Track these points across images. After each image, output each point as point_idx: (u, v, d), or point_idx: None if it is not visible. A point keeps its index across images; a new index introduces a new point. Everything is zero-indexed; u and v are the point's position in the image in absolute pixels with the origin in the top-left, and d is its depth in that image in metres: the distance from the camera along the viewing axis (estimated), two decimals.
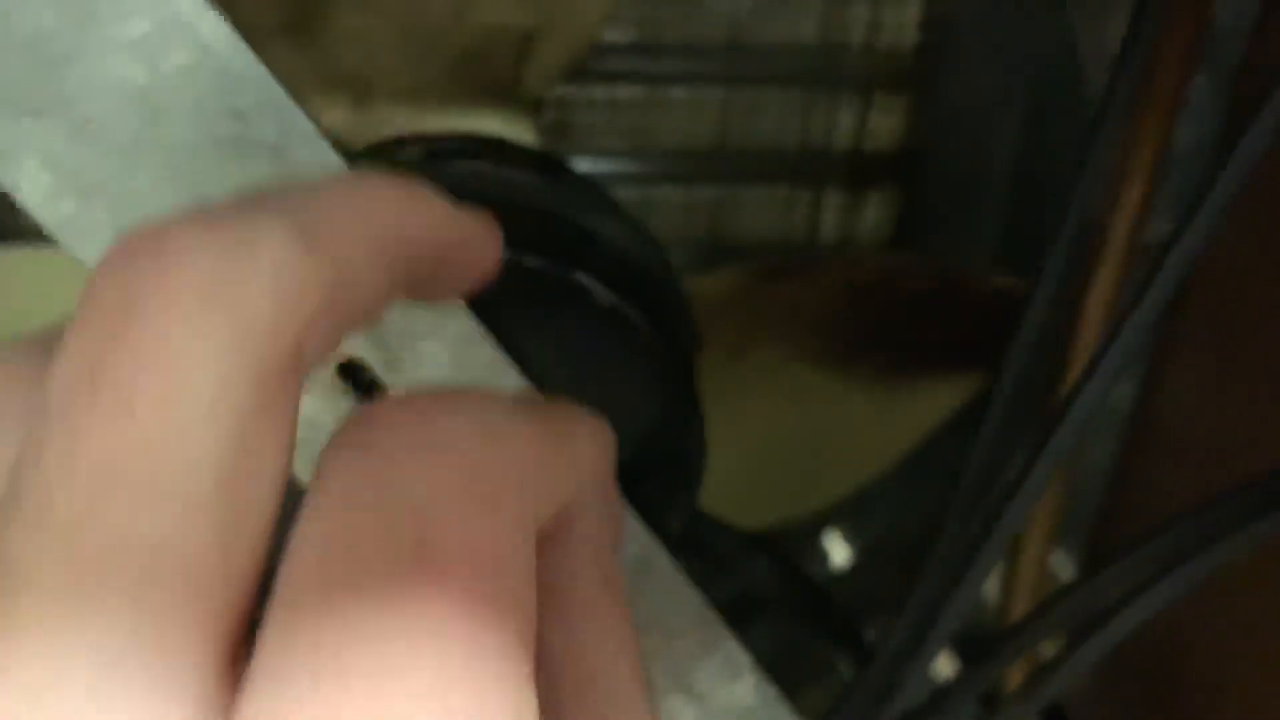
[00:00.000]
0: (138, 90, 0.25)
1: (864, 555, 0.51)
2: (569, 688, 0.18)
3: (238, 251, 0.15)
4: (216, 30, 0.25)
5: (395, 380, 0.29)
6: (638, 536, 0.33)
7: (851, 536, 0.51)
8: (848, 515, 0.53)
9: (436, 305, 0.29)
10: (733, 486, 0.40)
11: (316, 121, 0.27)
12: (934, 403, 0.45)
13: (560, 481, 0.19)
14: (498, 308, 0.29)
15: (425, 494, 0.15)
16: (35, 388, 0.15)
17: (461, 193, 0.33)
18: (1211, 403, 0.43)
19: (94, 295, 0.14)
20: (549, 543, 0.19)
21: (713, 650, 0.36)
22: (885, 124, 0.51)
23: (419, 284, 0.21)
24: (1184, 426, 0.46)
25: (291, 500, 0.16)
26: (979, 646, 0.29)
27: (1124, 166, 0.33)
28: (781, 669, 0.38)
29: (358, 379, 0.29)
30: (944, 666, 0.37)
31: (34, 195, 0.26)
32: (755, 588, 0.37)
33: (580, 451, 0.20)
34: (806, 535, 0.55)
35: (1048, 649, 0.31)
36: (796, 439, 0.48)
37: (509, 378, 0.30)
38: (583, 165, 0.49)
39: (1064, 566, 0.52)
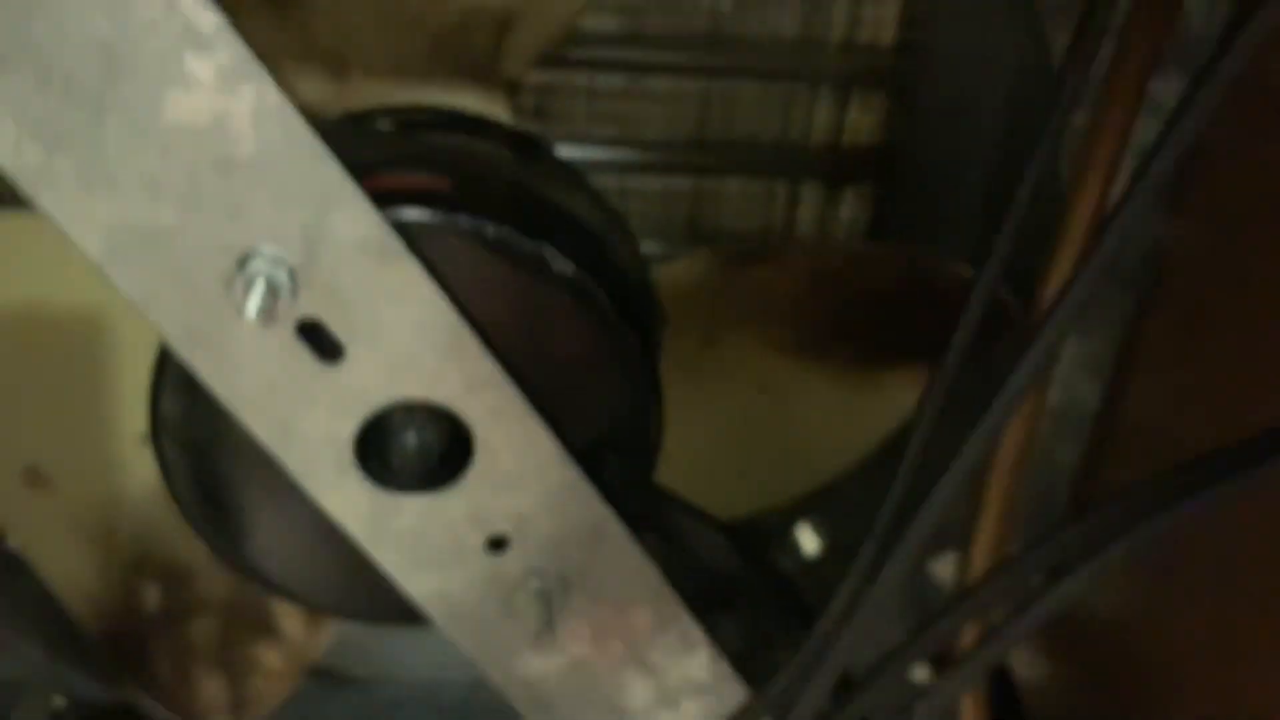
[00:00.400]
0: (103, 42, 0.25)
1: (834, 546, 0.51)
2: None
3: None
4: None
5: (353, 341, 0.30)
6: (592, 507, 0.33)
7: (821, 528, 0.51)
8: (818, 507, 0.54)
9: (398, 268, 0.29)
10: (705, 475, 0.41)
11: (292, 93, 0.28)
12: (902, 395, 0.45)
13: None
14: (458, 271, 0.30)
15: None
16: None
17: (432, 162, 0.33)
18: (1173, 405, 0.44)
19: None
20: None
21: (668, 625, 0.36)
22: (863, 120, 0.52)
23: None
24: (1147, 428, 0.46)
25: None
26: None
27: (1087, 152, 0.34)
28: (748, 656, 0.39)
29: (316, 340, 0.30)
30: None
31: (0, 142, 0.26)
32: (719, 570, 0.38)
33: None
34: (779, 527, 0.55)
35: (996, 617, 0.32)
36: (767, 428, 0.48)
37: (468, 344, 0.30)
38: (563, 152, 0.49)
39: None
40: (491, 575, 0.34)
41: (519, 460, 0.32)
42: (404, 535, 0.33)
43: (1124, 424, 0.47)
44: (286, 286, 0.28)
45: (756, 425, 0.48)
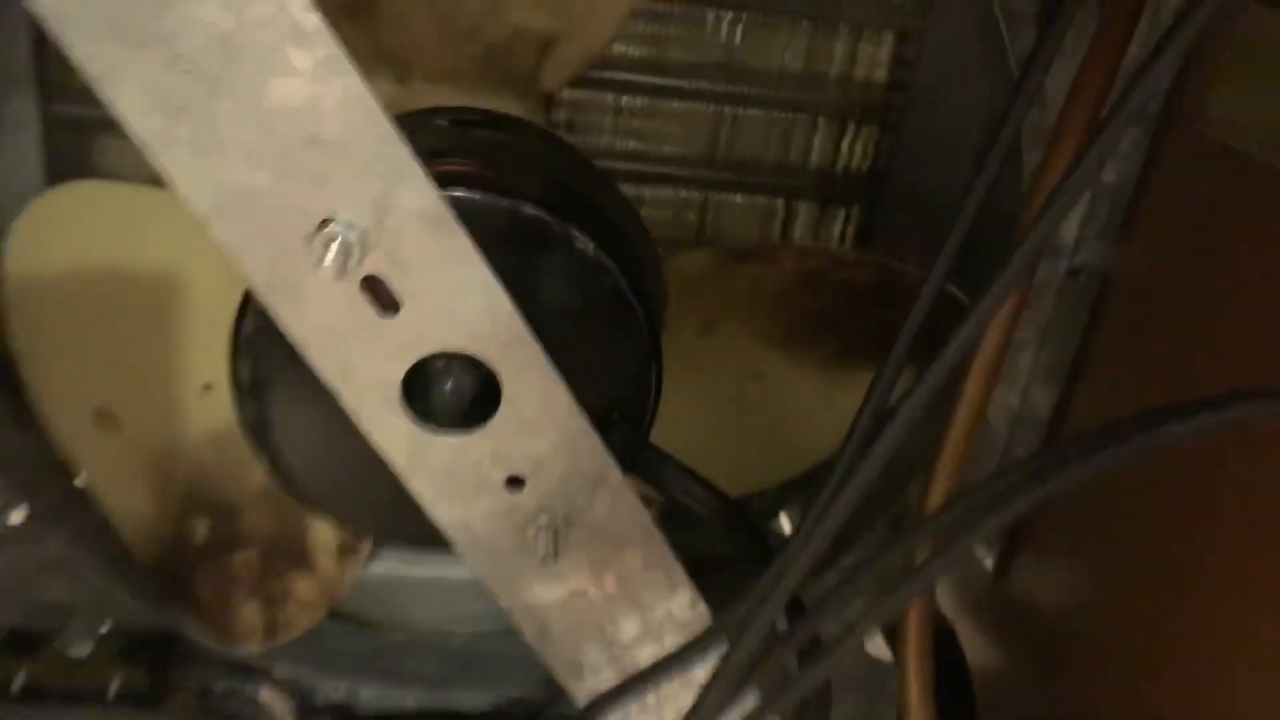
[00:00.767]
0: (224, 33, 0.30)
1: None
2: None
3: None
4: None
5: (408, 296, 0.35)
6: (597, 455, 0.39)
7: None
8: (799, 494, 0.59)
9: (450, 238, 0.35)
10: (697, 454, 0.46)
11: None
12: None
13: None
14: (497, 244, 0.35)
15: None
16: None
17: (476, 150, 0.39)
18: (1118, 409, 0.49)
19: None
20: None
21: (656, 565, 0.42)
22: (856, 148, 0.58)
23: None
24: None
25: None
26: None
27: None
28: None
29: (378, 295, 0.35)
30: None
31: (131, 111, 0.31)
32: (706, 521, 0.43)
33: None
34: (762, 512, 0.61)
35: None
36: (756, 414, 0.54)
37: (503, 306, 0.36)
38: None
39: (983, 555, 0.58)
40: (508, 509, 0.39)
41: (539, 410, 0.38)
42: (436, 469, 0.38)
43: (1074, 426, 0.52)
44: (357, 247, 0.33)
45: (746, 411, 0.53)
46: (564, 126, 0.55)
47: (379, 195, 0.33)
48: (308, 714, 0.59)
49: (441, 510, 0.39)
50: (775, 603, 0.36)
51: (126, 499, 0.53)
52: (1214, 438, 0.32)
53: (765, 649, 0.37)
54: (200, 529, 0.53)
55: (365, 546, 0.54)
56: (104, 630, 0.55)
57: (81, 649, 0.54)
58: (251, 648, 0.55)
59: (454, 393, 0.38)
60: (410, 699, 0.60)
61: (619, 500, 0.40)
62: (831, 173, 0.58)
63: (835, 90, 0.56)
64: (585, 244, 0.37)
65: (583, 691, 0.44)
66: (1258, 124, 0.40)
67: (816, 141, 0.57)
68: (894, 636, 0.46)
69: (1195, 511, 0.42)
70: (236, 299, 0.39)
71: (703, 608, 0.43)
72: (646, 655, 0.43)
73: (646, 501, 0.41)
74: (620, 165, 0.56)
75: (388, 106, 0.33)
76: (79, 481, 0.54)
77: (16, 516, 0.52)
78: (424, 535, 0.40)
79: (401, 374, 0.36)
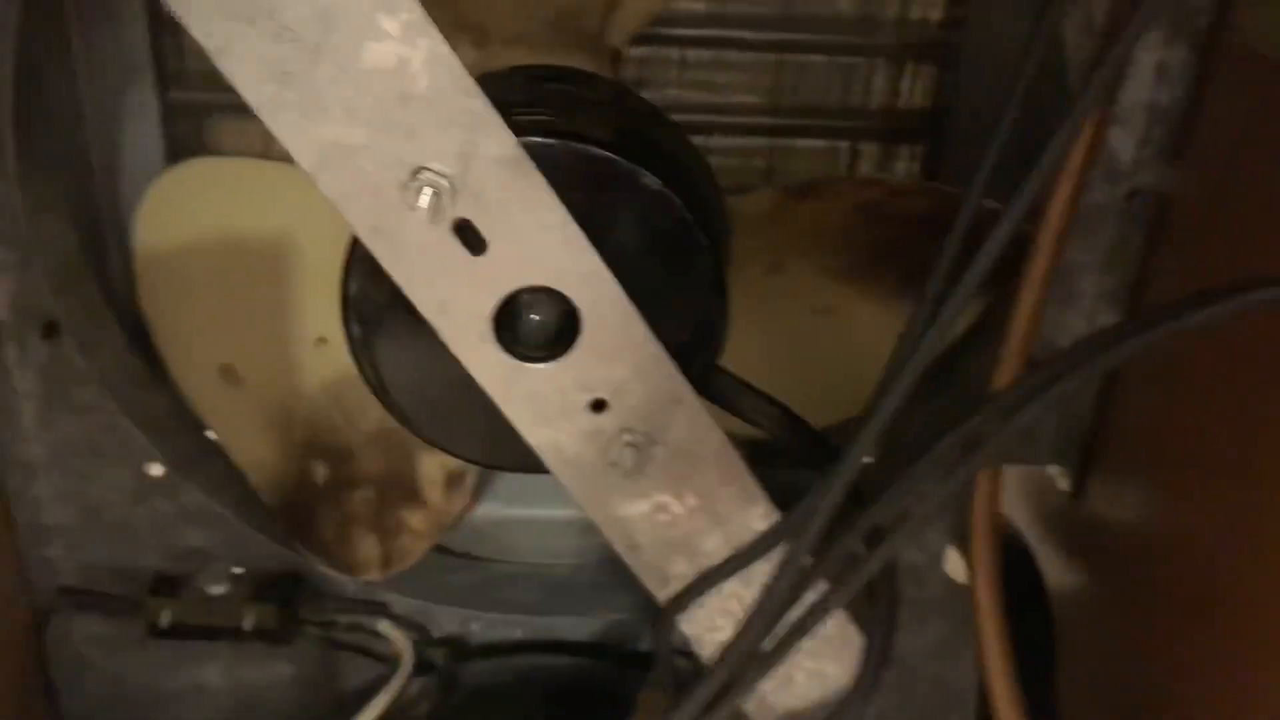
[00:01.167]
0: (322, 6, 0.34)
1: (883, 458, 0.59)
2: None
3: None
4: None
5: (494, 237, 0.39)
6: (672, 378, 0.42)
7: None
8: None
9: (529, 181, 0.38)
10: (769, 389, 0.48)
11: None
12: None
13: None
14: (571, 186, 0.38)
15: None
16: None
17: (549, 102, 0.43)
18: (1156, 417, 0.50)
19: None
20: None
21: (732, 479, 0.45)
22: (915, 87, 0.60)
23: None
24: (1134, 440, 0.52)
25: None
26: None
27: None
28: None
29: (467, 236, 0.39)
30: None
31: (245, 80, 0.35)
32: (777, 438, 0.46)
33: None
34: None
35: None
36: (824, 348, 0.56)
37: (580, 243, 0.39)
38: None
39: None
40: (593, 430, 0.43)
41: (616, 338, 0.41)
42: (527, 395, 0.42)
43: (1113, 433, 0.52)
44: (447, 193, 0.37)
45: (815, 345, 0.56)
46: (633, 83, 0.58)
47: (463, 145, 0.37)
48: (425, 645, 0.63)
49: (534, 434, 0.43)
50: (832, 495, 0.38)
51: (252, 448, 0.58)
52: None
53: (828, 539, 0.39)
54: (320, 472, 0.58)
55: (470, 480, 0.58)
56: (237, 571, 0.60)
57: (218, 588, 0.60)
58: (372, 576, 0.59)
59: (539, 325, 0.41)
60: (518, 630, 0.64)
61: (695, 420, 0.43)
62: (893, 112, 0.60)
63: (892, 31, 0.59)
64: (652, 181, 0.40)
65: (669, 599, 0.47)
66: None
67: (877, 83, 0.59)
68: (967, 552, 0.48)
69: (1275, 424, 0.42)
70: (342, 257, 0.43)
71: (777, 518, 0.46)
72: None
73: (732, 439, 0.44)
74: (688, 117, 0.59)
75: (468, 69, 0.36)
76: (209, 434, 0.59)
77: (156, 469, 0.58)
78: (523, 459, 0.43)
79: (491, 309, 0.40)
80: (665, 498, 0.45)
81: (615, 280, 0.40)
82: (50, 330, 0.53)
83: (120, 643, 0.61)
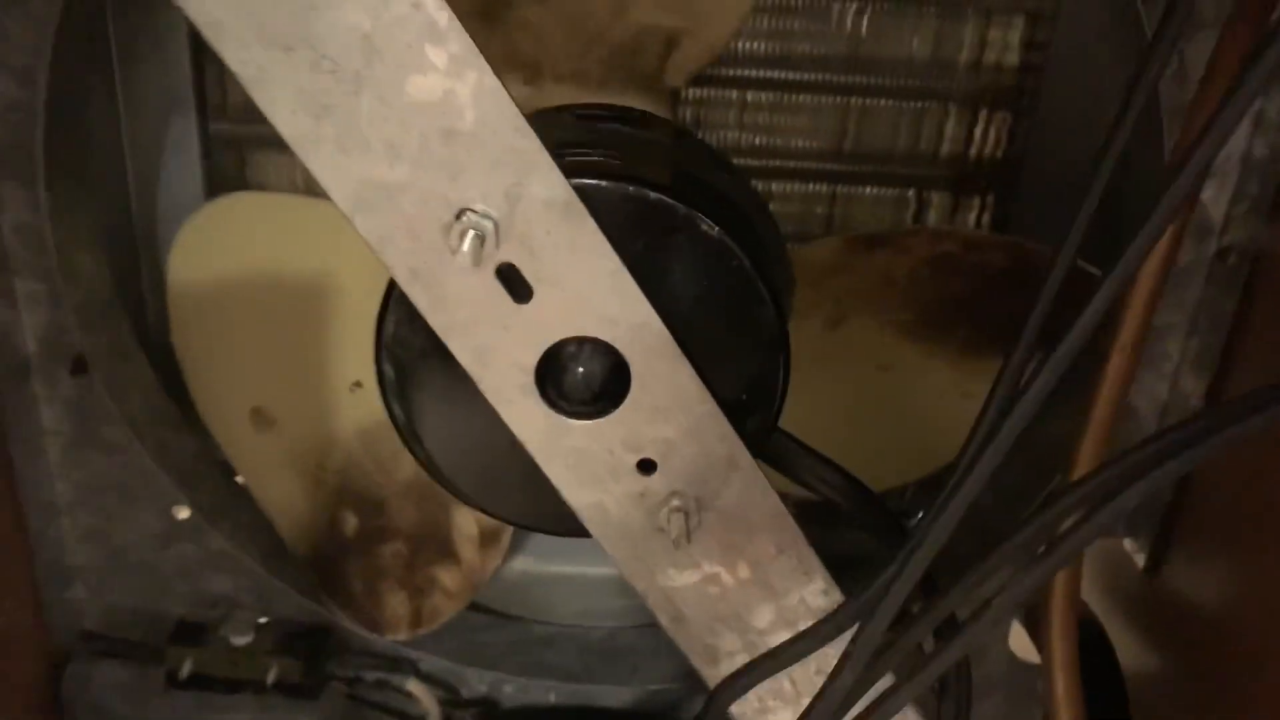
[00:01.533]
0: (364, 34, 0.32)
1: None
2: None
3: None
4: None
5: (540, 283, 0.36)
6: (726, 439, 0.39)
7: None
8: (931, 488, 0.58)
9: (580, 226, 0.36)
10: (830, 452, 0.45)
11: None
12: None
13: None
14: (624, 231, 0.36)
15: None
16: None
17: (603, 142, 0.40)
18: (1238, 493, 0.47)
19: None
20: None
21: (788, 550, 0.42)
22: (989, 134, 0.57)
23: None
24: (1214, 516, 0.49)
25: None
26: None
27: None
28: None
29: (511, 282, 0.36)
30: None
31: (280, 112, 0.33)
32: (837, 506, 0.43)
33: None
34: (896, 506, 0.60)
35: None
36: (887, 408, 0.53)
37: (631, 291, 0.37)
38: None
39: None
40: (640, 492, 0.40)
41: (668, 394, 0.38)
42: (571, 453, 0.39)
43: None
44: (492, 236, 0.35)
45: (874, 404, 0.53)
46: (691, 124, 0.56)
47: (511, 185, 0.34)
48: (454, 706, 0.60)
49: (576, 494, 0.40)
50: (906, 580, 0.35)
51: (281, 495, 0.56)
52: None
53: (898, 628, 0.36)
54: (350, 522, 0.56)
55: (506, 536, 0.56)
56: (262, 621, 0.58)
57: (242, 638, 0.57)
58: (399, 636, 0.57)
59: (585, 378, 0.38)
60: (551, 694, 0.61)
61: (750, 484, 0.40)
62: (964, 161, 0.57)
63: (966, 76, 0.56)
64: (711, 228, 0.38)
65: (717, 678, 0.44)
66: None
67: (948, 129, 0.57)
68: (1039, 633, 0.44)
69: None
70: (379, 300, 0.41)
71: (837, 594, 0.42)
72: (781, 642, 0.43)
73: (784, 499, 0.41)
74: (747, 161, 0.57)
75: (520, 107, 0.34)
76: (238, 479, 0.57)
77: (183, 513, 0.56)
78: (563, 520, 0.41)
79: (535, 360, 0.37)
80: (715, 568, 0.42)
81: (668, 332, 0.37)
82: (79, 366, 0.52)
83: (140, 691, 0.59)
